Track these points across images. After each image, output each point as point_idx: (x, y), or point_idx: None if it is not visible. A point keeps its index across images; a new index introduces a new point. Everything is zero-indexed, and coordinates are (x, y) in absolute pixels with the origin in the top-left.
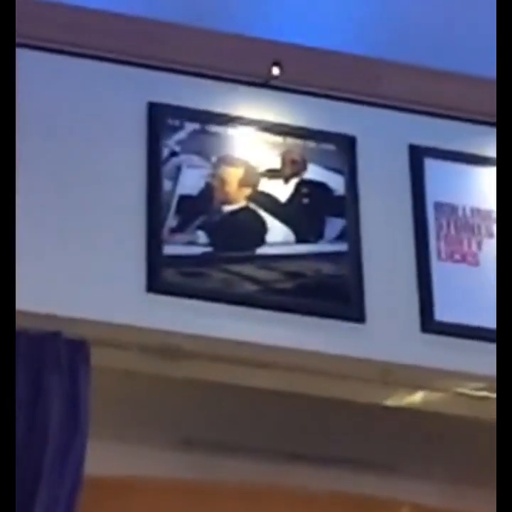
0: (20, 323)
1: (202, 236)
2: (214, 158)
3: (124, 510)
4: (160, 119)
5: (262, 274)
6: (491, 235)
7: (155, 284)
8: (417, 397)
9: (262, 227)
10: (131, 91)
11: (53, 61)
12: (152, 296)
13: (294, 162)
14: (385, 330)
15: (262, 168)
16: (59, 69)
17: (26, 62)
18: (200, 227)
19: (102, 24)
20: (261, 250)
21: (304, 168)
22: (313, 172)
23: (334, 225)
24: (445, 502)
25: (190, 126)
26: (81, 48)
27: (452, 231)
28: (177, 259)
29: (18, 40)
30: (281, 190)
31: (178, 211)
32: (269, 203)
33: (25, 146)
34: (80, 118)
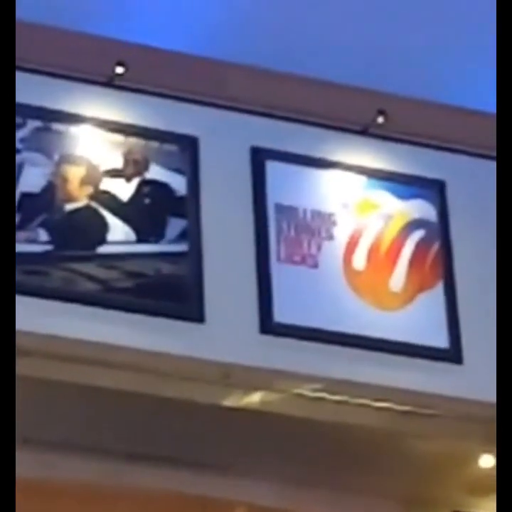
0: None
1: (43, 234)
2: (56, 157)
3: None
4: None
5: (102, 272)
6: (330, 238)
7: None
8: (255, 398)
9: (104, 226)
10: None
11: None
12: None
13: (136, 162)
14: (225, 331)
15: (104, 167)
16: None
17: None
18: (41, 225)
19: None
20: (102, 249)
21: (146, 168)
22: (155, 172)
23: (175, 225)
24: (280, 502)
25: (33, 124)
26: None
27: (292, 233)
28: (18, 257)
29: None
30: (123, 190)
31: (19, 209)
32: (111, 202)
33: None
34: None
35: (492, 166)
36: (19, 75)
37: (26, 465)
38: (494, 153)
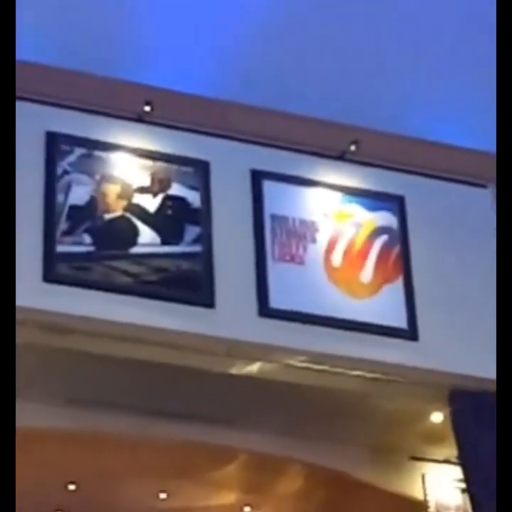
0: None
1: (87, 238)
2: (97, 177)
3: (20, 456)
4: (55, 145)
5: (134, 268)
6: (314, 241)
7: (50, 275)
8: (255, 367)
9: (135, 232)
10: (33, 122)
11: None
12: (48, 285)
13: (160, 181)
14: (231, 314)
15: (136, 185)
16: None
17: None
18: (85, 231)
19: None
20: (134, 250)
21: (169, 186)
22: (176, 189)
23: (191, 231)
24: (275, 450)
25: (79, 151)
26: None
27: (284, 237)
28: (67, 256)
29: None
30: (151, 203)
31: (68, 218)
32: (141, 212)
33: None
34: None
35: (443, 185)
36: (69, 113)
37: (72, 420)
38: (445, 175)
